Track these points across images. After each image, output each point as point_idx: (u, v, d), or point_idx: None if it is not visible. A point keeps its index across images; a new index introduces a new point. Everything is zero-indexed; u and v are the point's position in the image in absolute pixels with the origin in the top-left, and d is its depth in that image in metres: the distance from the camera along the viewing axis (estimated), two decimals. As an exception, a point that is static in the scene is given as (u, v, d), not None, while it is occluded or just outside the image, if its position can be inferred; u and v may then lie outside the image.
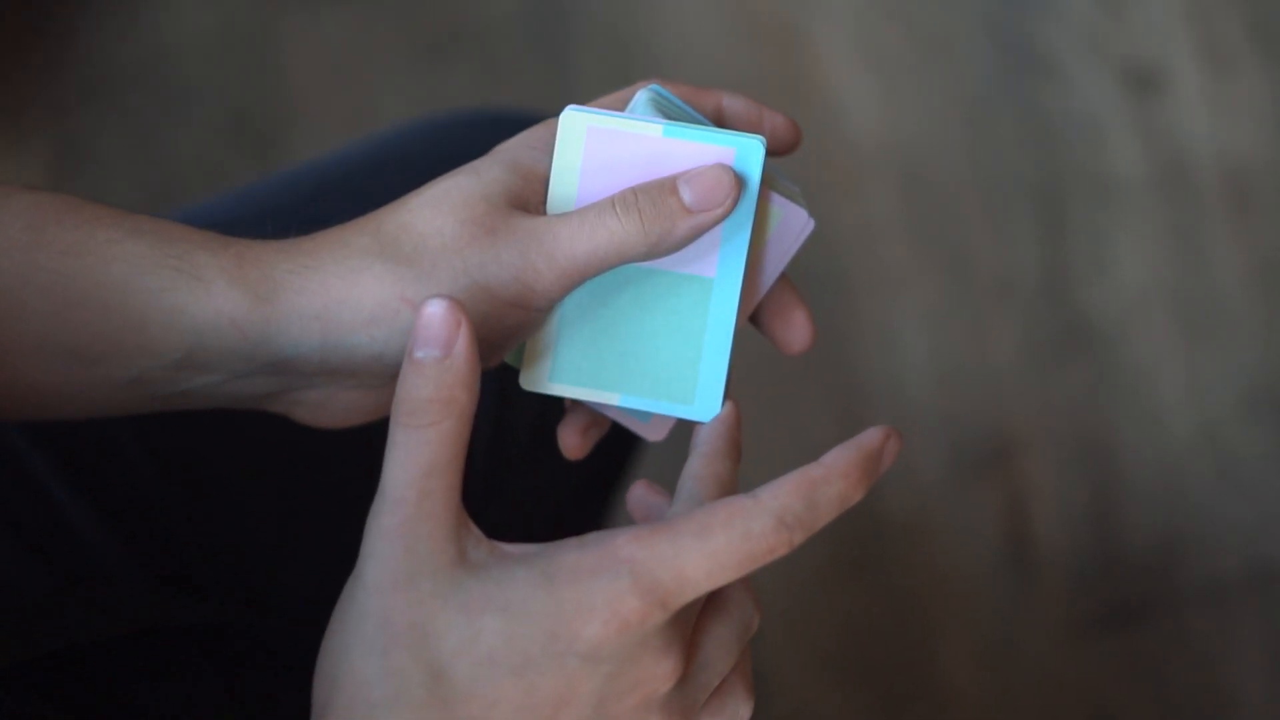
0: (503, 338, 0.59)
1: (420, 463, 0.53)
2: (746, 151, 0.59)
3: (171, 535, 0.73)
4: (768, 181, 0.61)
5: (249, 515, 0.75)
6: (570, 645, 0.52)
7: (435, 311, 0.53)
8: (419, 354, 0.53)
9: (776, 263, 0.62)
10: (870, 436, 0.56)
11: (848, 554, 1.36)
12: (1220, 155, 1.43)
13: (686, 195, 0.58)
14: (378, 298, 0.57)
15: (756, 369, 1.37)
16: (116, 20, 1.46)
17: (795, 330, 0.63)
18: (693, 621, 0.55)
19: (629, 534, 0.53)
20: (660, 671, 0.53)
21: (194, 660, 0.69)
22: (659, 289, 0.61)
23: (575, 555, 0.52)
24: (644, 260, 0.58)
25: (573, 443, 0.64)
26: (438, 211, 0.58)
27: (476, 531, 0.54)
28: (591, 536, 0.53)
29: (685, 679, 0.55)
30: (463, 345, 0.53)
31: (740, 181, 0.59)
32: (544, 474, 0.83)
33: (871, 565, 1.36)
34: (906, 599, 1.35)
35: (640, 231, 0.58)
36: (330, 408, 0.61)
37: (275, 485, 0.76)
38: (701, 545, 0.53)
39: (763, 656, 1.34)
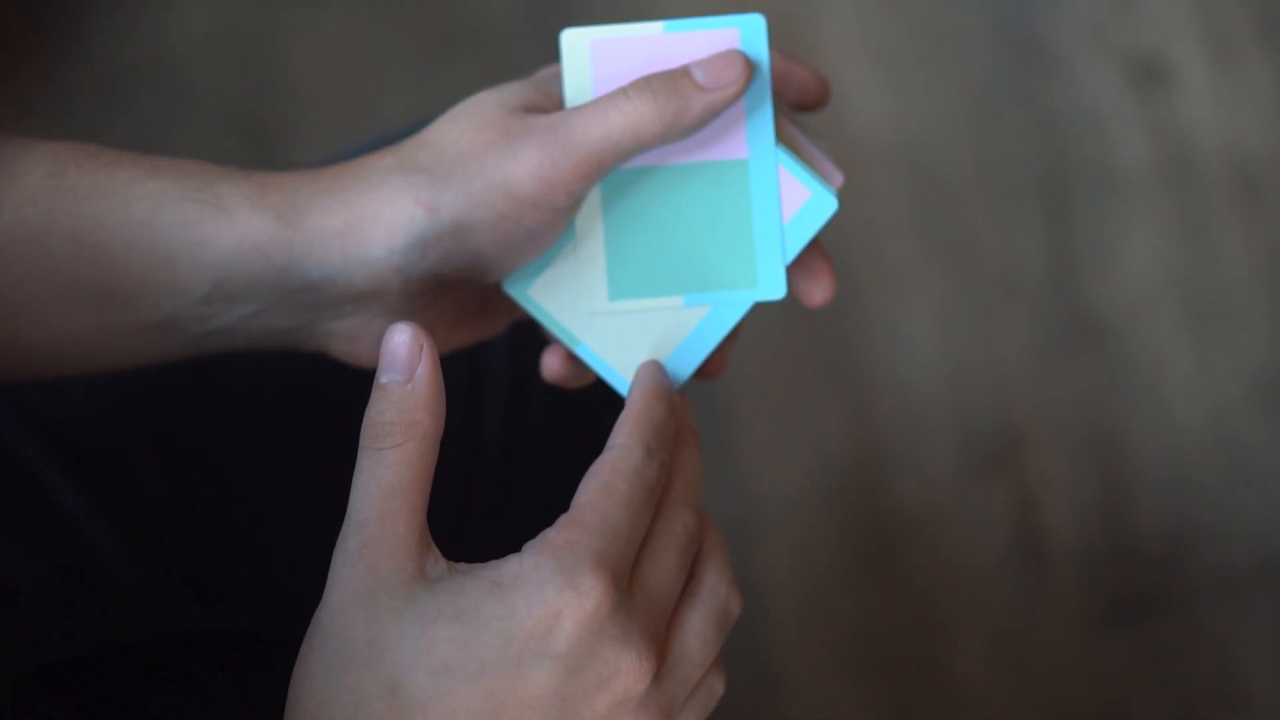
0: (523, 243, 0.59)
1: (383, 484, 0.53)
2: (750, 30, 0.60)
3: (181, 542, 0.73)
4: (793, 145, 0.61)
5: (258, 521, 0.75)
6: (525, 646, 0.52)
7: (399, 339, 0.54)
8: (383, 379, 0.54)
9: (799, 239, 0.62)
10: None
11: (859, 551, 1.36)
12: (1227, 147, 1.42)
13: (699, 76, 0.58)
14: (394, 206, 0.58)
15: (765, 366, 1.37)
16: (120, 20, 1.46)
17: (817, 280, 0.63)
18: (664, 617, 0.56)
19: (555, 527, 0.54)
20: (624, 665, 0.54)
21: (205, 667, 0.69)
22: (696, 183, 0.60)
23: (517, 561, 0.53)
24: (660, 142, 0.58)
25: (554, 364, 0.64)
26: (454, 124, 0.59)
27: (436, 552, 0.54)
28: (527, 545, 0.54)
29: (662, 675, 0.55)
30: (425, 369, 0.54)
31: (750, 62, 0.59)
32: (559, 463, 0.83)
33: (883, 561, 1.36)
34: (918, 595, 1.35)
35: (654, 110, 0.58)
36: (364, 338, 0.61)
37: (284, 491, 0.76)
38: (613, 500, 0.54)
39: (776, 655, 1.34)
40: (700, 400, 1.35)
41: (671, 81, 0.58)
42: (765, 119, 0.60)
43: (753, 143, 0.60)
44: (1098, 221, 1.41)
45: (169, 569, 0.73)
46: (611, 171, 0.59)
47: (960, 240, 1.41)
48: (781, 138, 0.61)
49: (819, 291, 0.63)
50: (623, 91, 0.58)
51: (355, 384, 0.67)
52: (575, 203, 0.59)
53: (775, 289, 0.61)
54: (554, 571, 0.53)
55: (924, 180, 1.42)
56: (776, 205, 0.60)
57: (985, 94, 1.44)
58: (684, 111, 0.58)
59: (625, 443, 0.56)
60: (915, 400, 1.38)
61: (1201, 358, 1.39)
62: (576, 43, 0.60)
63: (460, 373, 0.78)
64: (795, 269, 0.63)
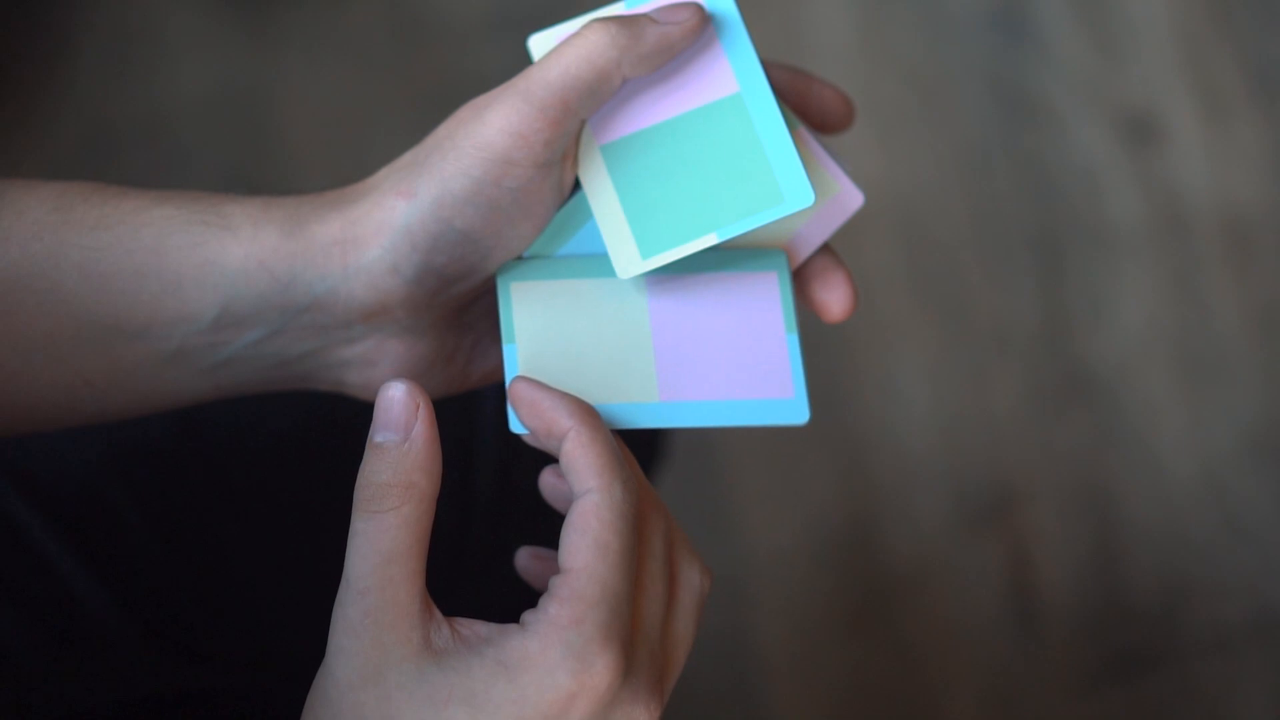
0: (509, 209, 0.58)
1: (381, 550, 0.53)
2: None
3: (171, 600, 0.73)
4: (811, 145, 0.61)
5: (248, 579, 0.75)
6: None
7: (394, 395, 0.53)
8: (378, 438, 0.54)
9: (821, 232, 0.61)
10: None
11: (851, 605, 1.35)
12: (1218, 203, 1.43)
13: (653, 15, 0.58)
14: (381, 204, 0.58)
15: (757, 421, 1.37)
16: (111, 76, 1.46)
17: (834, 291, 0.62)
18: (659, 643, 0.56)
19: (553, 599, 0.53)
20: (638, 715, 0.54)
21: (195, 725, 0.68)
22: (696, 128, 0.60)
23: (522, 640, 0.53)
24: (619, 72, 0.58)
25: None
26: (442, 125, 0.59)
27: (439, 616, 0.54)
28: (529, 618, 0.54)
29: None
30: (421, 429, 0.53)
31: (701, 7, 0.59)
32: (550, 517, 0.83)
33: (875, 616, 1.35)
34: (910, 649, 1.34)
35: (607, 37, 0.57)
36: (379, 363, 0.60)
37: (274, 548, 0.75)
38: (609, 562, 0.53)
39: (767, 710, 1.33)
40: (692, 454, 1.35)
41: (625, 18, 0.58)
42: (746, 52, 0.60)
43: (741, 77, 0.60)
44: (1090, 277, 1.41)
45: (159, 628, 0.72)
46: (591, 117, 0.59)
47: (952, 295, 1.41)
48: (802, 153, 0.61)
49: (837, 302, 0.62)
50: (578, 32, 0.58)
51: (345, 439, 0.67)
52: (554, 155, 0.58)
53: (804, 197, 0.59)
54: (563, 654, 0.52)
55: (916, 235, 1.42)
56: (780, 124, 0.59)
57: (977, 150, 1.44)
58: (638, 37, 0.58)
59: (600, 484, 0.54)
60: (908, 455, 1.38)
61: (1194, 412, 1.39)
62: (546, 43, 0.60)
63: (452, 427, 0.78)
64: (811, 281, 0.62)
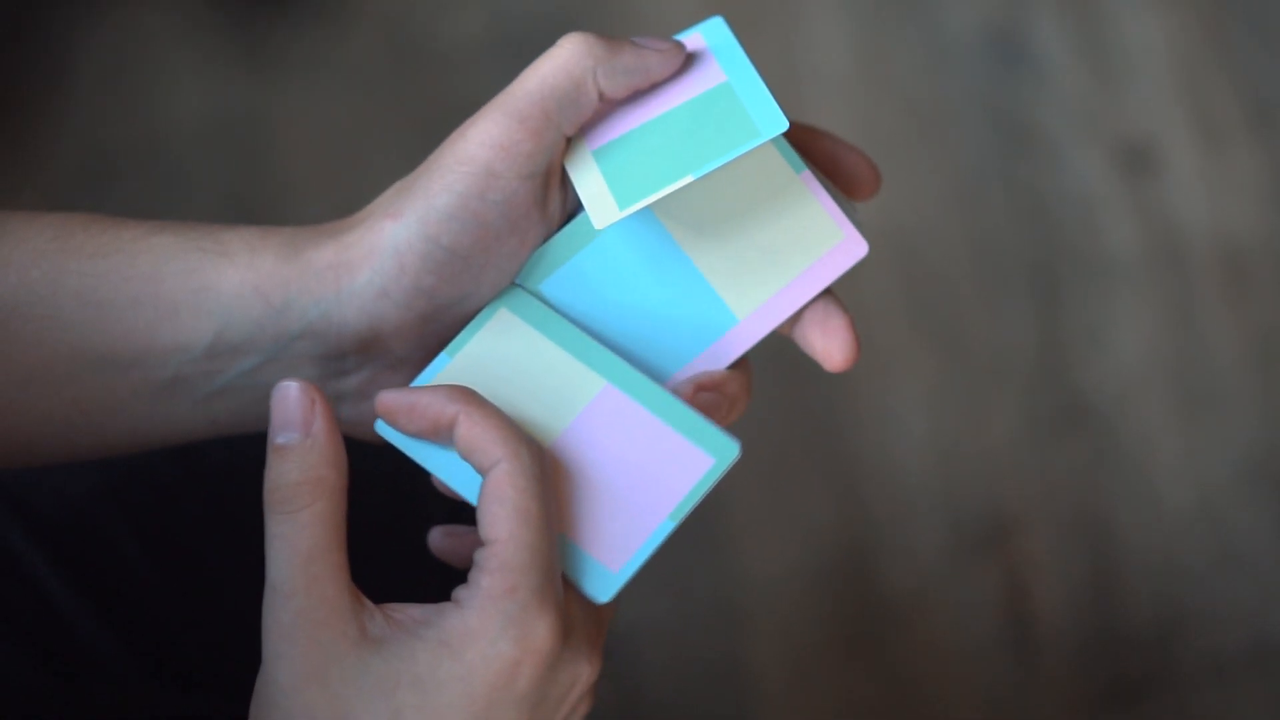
0: (495, 223, 0.58)
1: (301, 550, 0.53)
2: (713, 31, 0.60)
3: (166, 629, 0.73)
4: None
5: (243, 608, 0.75)
6: (489, 699, 0.53)
7: (289, 395, 0.54)
8: (280, 440, 0.54)
9: (822, 278, 0.61)
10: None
11: (847, 634, 1.35)
12: (1215, 232, 1.43)
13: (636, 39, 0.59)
14: (372, 227, 0.58)
15: (754, 448, 1.37)
16: (109, 103, 1.47)
17: (835, 339, 0.61)
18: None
19: (484, 572, 0.54)
20: (581, 675, 0.55)
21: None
22: (681, 113, 0.59)
23: (460, 617, 0.53)
24: (594, 84, 0.58)
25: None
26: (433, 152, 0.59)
27: (370, 604, 0.54)
28: (461, 594, 0.54)
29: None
30: (320, 424, 0.54)
31: (681, 45, 0.59)
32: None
33: (871, 645, 1.35)
34: (906, 678, 1.34)
35: (585, 48, 0.58)
36: (373, 398, 0.61)
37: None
38: (531, 526, 0.54)
39: (762, 738, 1.33)
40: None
41: (606, 36, 0.59)
42: (734, 50, 0.60)
43: (728, 69, 0.60)
44: (1087, 306, 1.42)
45: (153, 656, 0.72)
46: (573, 133, 0.59)
47: (950, 323, 1.41)
48: (807, 199, 0.60)
49: (838, 350, 0.61)
50: (556, 44, 0.58)
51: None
52: (536, 167, 0.58)
53: (777, 125, 0.58)
54: (504, 625, 0.53)
55: (913, 264, 1.42)
56: (751, 65, 0.59)
57: (974, 179, 1.44)
58: (614, 51, 0.58)
59: (506, 452, 0.55)
60: (904, 483, 1.38)
61: (1190, 442, 1.39)
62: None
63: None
64: (812, 328, 0.61)
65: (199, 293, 0.57)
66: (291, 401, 0.54)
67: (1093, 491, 1.38)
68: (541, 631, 0.53)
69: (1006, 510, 1.38)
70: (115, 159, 1.45)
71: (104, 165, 1.45)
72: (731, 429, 1.33)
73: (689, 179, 0.57)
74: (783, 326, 0.62)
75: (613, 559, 0.57)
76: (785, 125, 0.57)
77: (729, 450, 0.58)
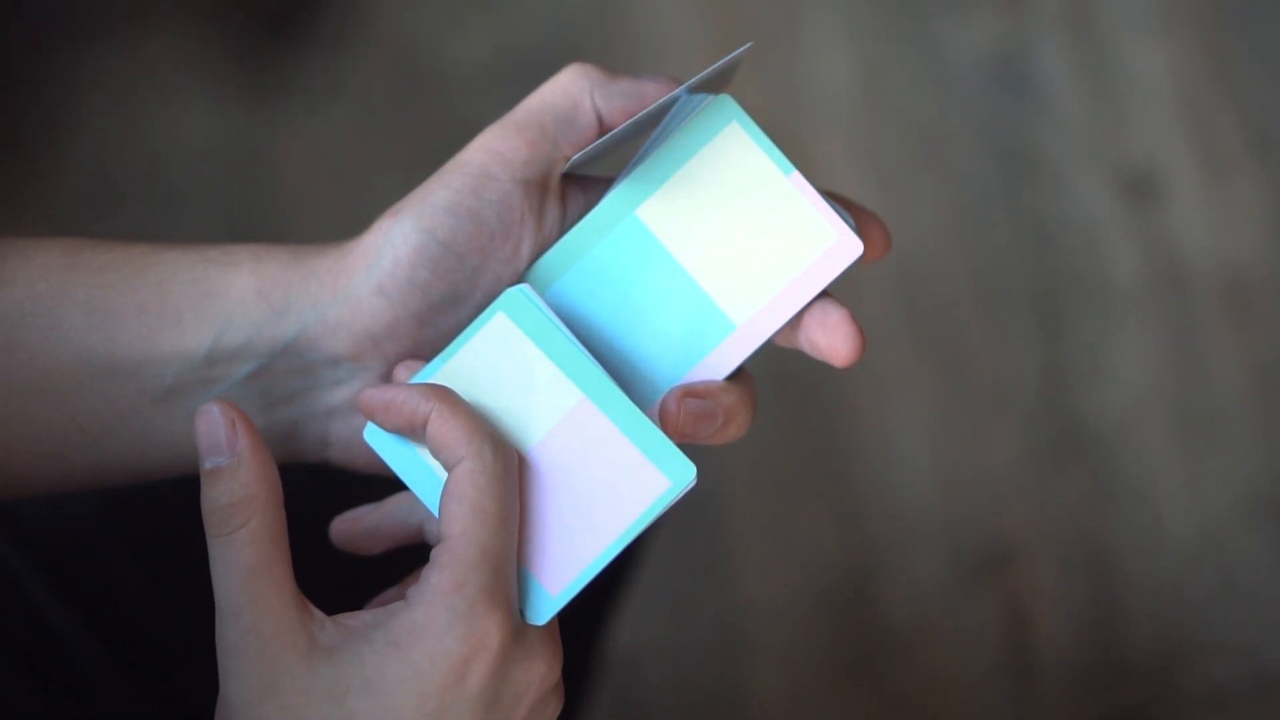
0: (489, 221, 0.59)
1: (242, 568, 0.54)
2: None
3: (162, 650, 0.73)
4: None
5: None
6: (441, 699, 0.53)
7: (211, 419, 0.54)
8: (208, 464, 0.54)
9: (819, 281, 0.61)
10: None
11: (847, 660, 1.35)
12: (1217, 260, 1.43)
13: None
14: (373, 230, 0.59)
15: (754, 474, 1.37)
16: (112, 127, 1.47)
17: (838, 333, 0.61)
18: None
19: (434, 568, 0.54)
20: (535, 675, 0.55)
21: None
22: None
23: (408, 614, 0.54)
24: (590, 103, 0.60)
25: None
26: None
27: (319, 614, 0.54)
28: (411, 592, 0.54)
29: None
30: (245, 442, 0.54)
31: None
32: None
33: (871, 672, 1.35)
34: (907, 706, 1.34)
35: (582, 72, 0.60)
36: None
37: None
38: (485, 524, 0.54)
39: (762, 765, 1.33)
40: (689, 506, 1.35)
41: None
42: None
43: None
44: (1089, 334, 1.42)
45: (151, 678, 0.72)
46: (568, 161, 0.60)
47: (952, 350, 1.41)
48: (799, 201, 0.61)
49: (843, 343, 0.62)
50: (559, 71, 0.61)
51: (335, 493, 0.67)
52: (532, 174, 0.60)
53: (685, 473, 0.58)
54: (450, 621, 0.53)
55: (915, 291, 1.42)
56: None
57: (976, 205, 1.44)
58: (611, 77, 0.60)
59: (470, 450, 0.55)
60: (905, 510, 1.38)
61: (1192, 470, 1.39)
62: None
63: None
64: (813, 328, 0.61)
65: (203, 299, 0.58)
66: (215, 425, 0.55)
67: (1094, 519, 1.38)
68: (488, 628, 0.53)
69: (1007, 537, 1.38)
70: (119, 184, 1.46)
71: (108, 190, 1.45)
72: (730, 453, 1.33)
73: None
74: (786, 338, 0.62)
75: (553, 582, 0.57)
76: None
77: (685, 473, 0.58)
